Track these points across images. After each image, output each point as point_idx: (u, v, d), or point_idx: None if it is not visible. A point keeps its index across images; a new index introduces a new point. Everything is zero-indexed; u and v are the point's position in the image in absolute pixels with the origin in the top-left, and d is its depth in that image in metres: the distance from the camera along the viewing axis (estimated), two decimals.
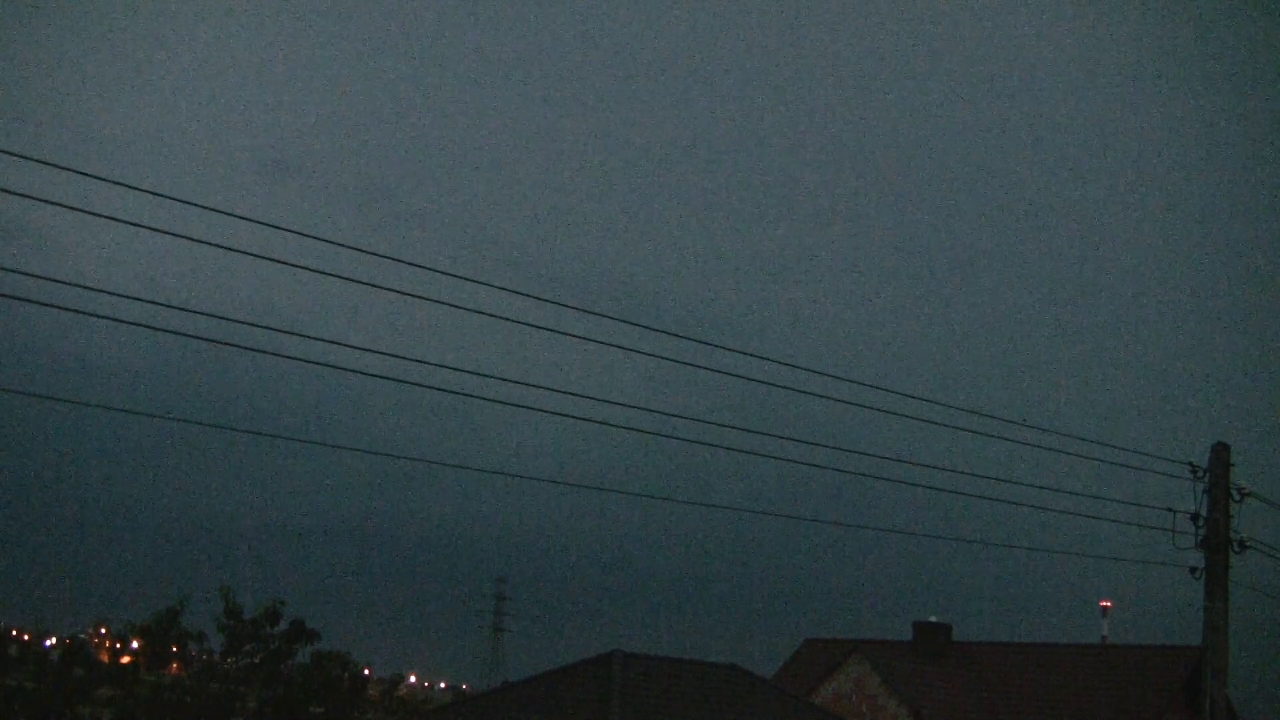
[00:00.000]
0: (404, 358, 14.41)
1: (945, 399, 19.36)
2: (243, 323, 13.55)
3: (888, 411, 18.94)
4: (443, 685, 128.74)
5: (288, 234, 12.98)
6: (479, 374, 14.94)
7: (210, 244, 12.54)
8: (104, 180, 11.83)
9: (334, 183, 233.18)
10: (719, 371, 16.69)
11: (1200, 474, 19.89)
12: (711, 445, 17.94)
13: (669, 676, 31.10)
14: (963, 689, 45.00)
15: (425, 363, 14.50)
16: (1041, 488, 20.77)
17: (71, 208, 11.76)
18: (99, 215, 11.90)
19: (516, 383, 15.06)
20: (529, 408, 15.71)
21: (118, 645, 56.25)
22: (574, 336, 15.60)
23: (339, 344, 14.06)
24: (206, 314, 13.11)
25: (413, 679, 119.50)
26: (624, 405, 16.45)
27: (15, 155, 11.24)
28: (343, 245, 13.38)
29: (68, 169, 11.50)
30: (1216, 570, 19.59)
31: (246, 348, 14.17)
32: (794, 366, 17.36)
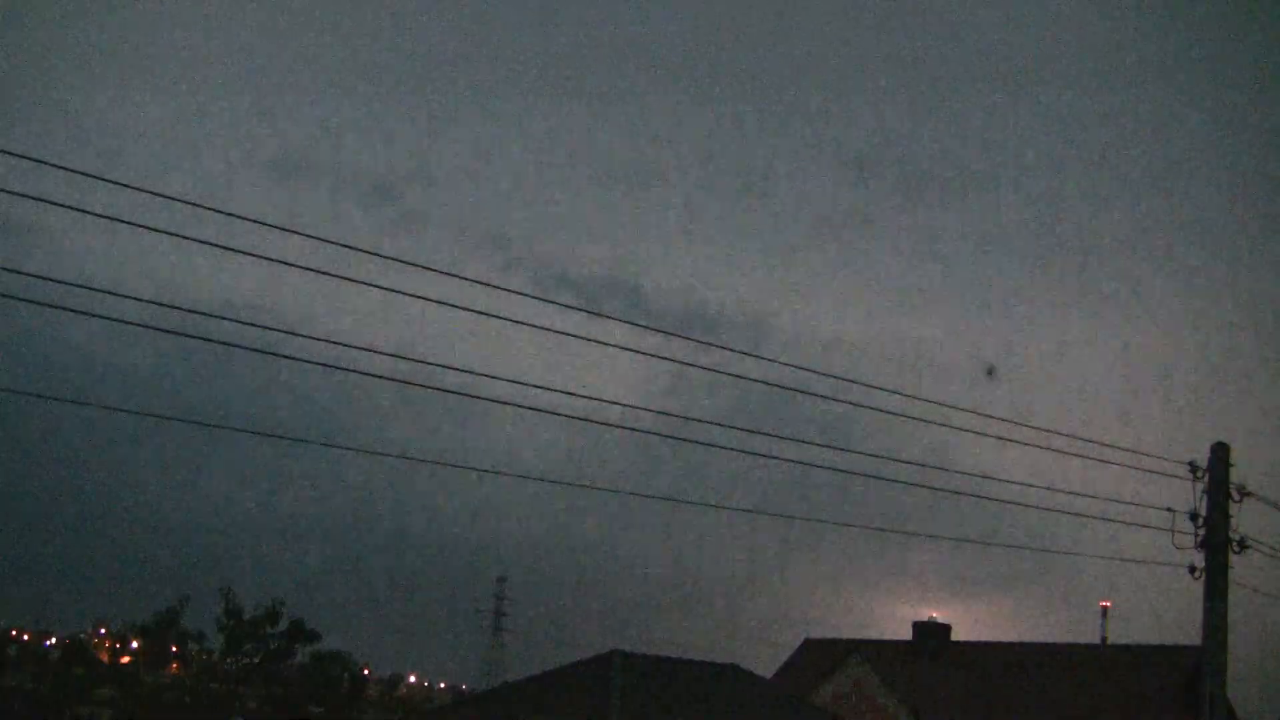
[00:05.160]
0: (404, 357, 14.42)
1: (946, 399, 19.36)
2: (243, 323, 13.56)
3: (887, 412, 18.95)
4: (442, 685, 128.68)
5: (289, 234, 12.98)
6: (479, 374, 14.95)
7: (212, 244, 12.54)
8: (104, 180, 11.84)
9: (336, 183, 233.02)
10: (719, 371, 16.70)
11: (1200, 474, 19.88)
12: (712, 445, 17.95)
13: (668, 676, 31.12)
14: (962, 689, 44.99)
15: (425, 362, 14.51)
16: (1042, 488, 20.78)
17: (72, 208, 11.77)
18: (99, 215, 11.91)
19: (516, 383, 15.08)
20: (529, 408, 15.72)
21: (118, 645, 56.31)
22: (574, 336, 15.62)
23: (340, 344, 14.06)
24: (206, 314, 13.12)
25: (413, 679, 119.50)
26: (624, 405, 16.47)
27: (15, 155, 11.25)
28: (344, 245, 13.39)
29: (68, 169, 11.51)
30: (1216, 570, 19.58)
31: (246, 348, 14.17)
32: (795, 367, 17.37)
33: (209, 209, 12.41)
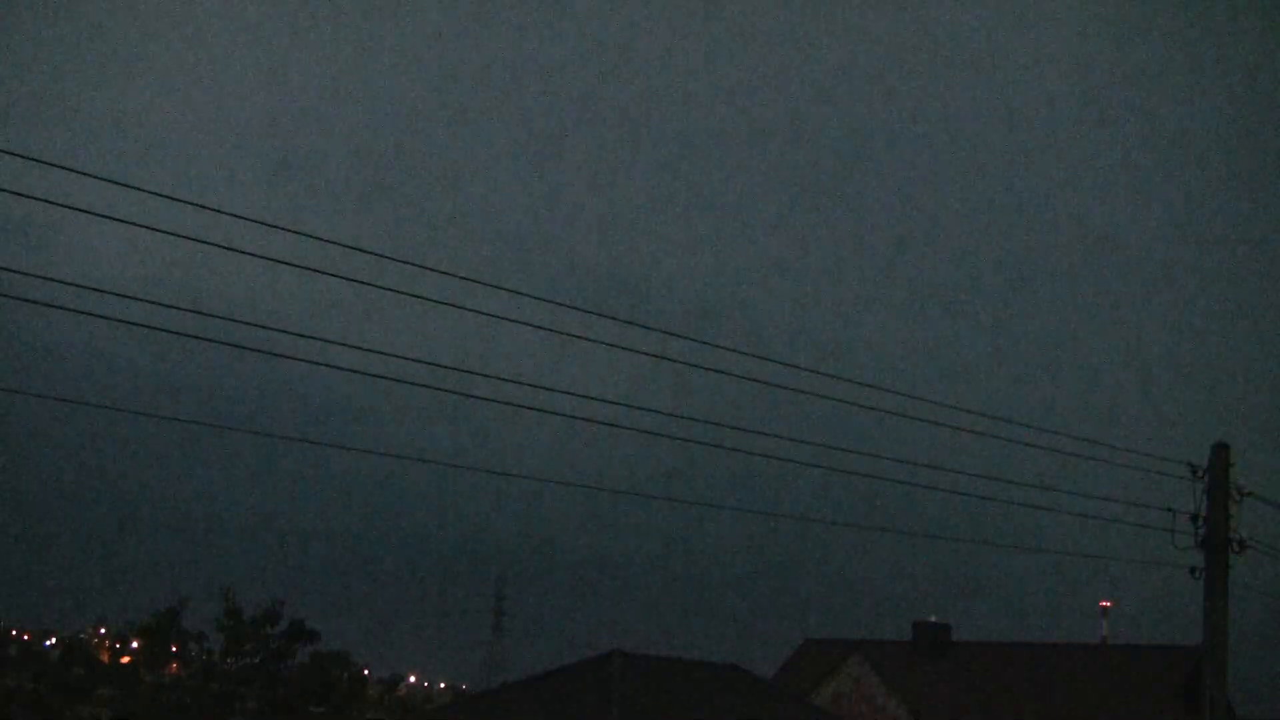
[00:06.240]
0: (404, 357, 14.41)
1: (945, 399, 19.36)
2: (243, 323, 13.56)
3: (888, 411, 18.94)
4: (443, 685, 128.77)
5: (289, 234, 12.98)
6: (479, 374, 14.94)
7: (211, 244, 12.54)
8: (105, 180, 11.84)
9: (337, 183, 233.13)
10: (719, 371, 16.68)
11: (1200, 474, 19.87)
12: (711, 445, 17.94)
13: (669, 676, 31.13)
14: (963, 689, 44.99)
15: (425, 363, 14.50)
16: (1041, 488, 20.77)
17: (72, 208, 11.77)
18: (99, 215, 11.91)
19: (516, 383, 15.07)
20: (529, 408, 15.71)
21: (118, 645, 56.37)
22: (574, 336, 15.60)
23: (339, 344, 14.05)
24: (206, 314, 13.11)
25: (413, 679, 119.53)
26: (623, 405, 16.46)
27: (16, 155, 11.25)
28: (344, 245, 13.38)
29: (68, 169, 11.51)
30: (1216, 570, 19.58)
31: (246, 348, 14.17)
32: (794, 367, 17.36)
33: (210, 209, 12.42)
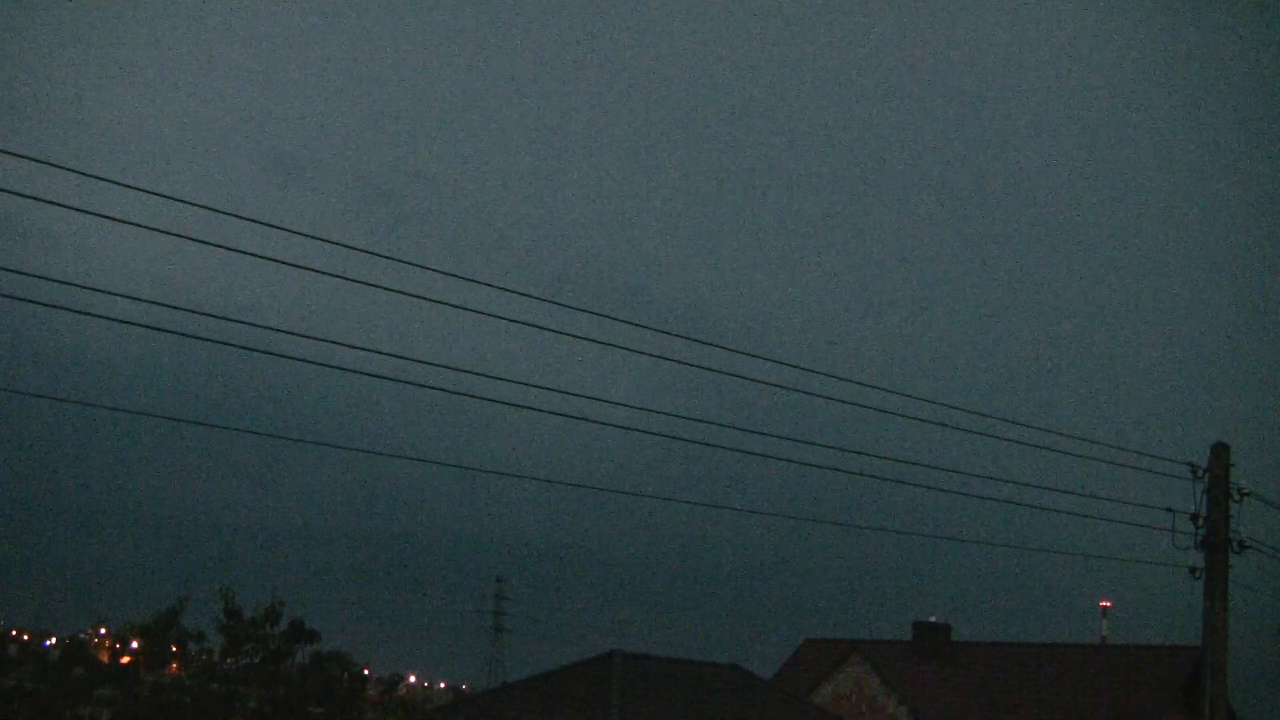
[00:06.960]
0: (404, 358, 14.41)
1: (945, 399, 19.36)
2: (243, 323, 13.56)
3: (888, 411, 18.94)
4: (443, 685, 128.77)
5: (289, 234, 12.98)
6: (479, 374, 14.94)
7: (211, 244, 12.54)
8: (105, 180, 11.83)
9: (336, 183, 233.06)
10: (719, 371, 16.68)
11: (1200, 474, 19.88)
12: (711, 445, 17.93)
13: (669, 676, 31.11)
14: (962, 689, 44.98)
15: (425, 363, 14.50)
16: (1041, 488, 20.78)
17: (72, 208, 11.77)
18: (100, 215, 11.91)
19: (516, 383, 15.07)
20: (529, 408, 15.71)
21: (118, 645, 56.37)
22: (574, 336, 15.60)
23: (339, 344, 14.05)
24: (206, 314, 13.11)
25: (413, 679, 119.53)
26: (624, 405, 16.45)
27: (15, 155, 11.24)
28: (343, 245, 13.39)
29: (68, 169, 11.50)
30: (1216, 570, 19.58)
31: (247, 348, 14.17)
32: (794, 366, 17.35)
33: (209, 209, 12.42)
